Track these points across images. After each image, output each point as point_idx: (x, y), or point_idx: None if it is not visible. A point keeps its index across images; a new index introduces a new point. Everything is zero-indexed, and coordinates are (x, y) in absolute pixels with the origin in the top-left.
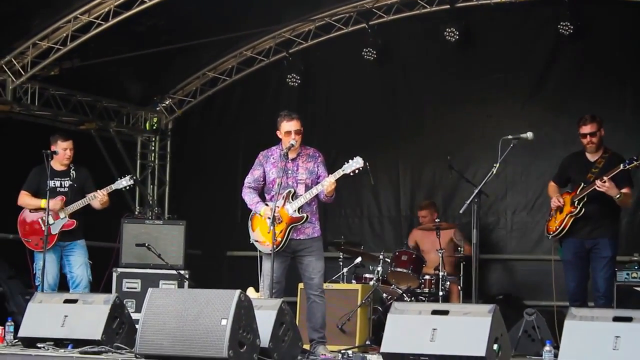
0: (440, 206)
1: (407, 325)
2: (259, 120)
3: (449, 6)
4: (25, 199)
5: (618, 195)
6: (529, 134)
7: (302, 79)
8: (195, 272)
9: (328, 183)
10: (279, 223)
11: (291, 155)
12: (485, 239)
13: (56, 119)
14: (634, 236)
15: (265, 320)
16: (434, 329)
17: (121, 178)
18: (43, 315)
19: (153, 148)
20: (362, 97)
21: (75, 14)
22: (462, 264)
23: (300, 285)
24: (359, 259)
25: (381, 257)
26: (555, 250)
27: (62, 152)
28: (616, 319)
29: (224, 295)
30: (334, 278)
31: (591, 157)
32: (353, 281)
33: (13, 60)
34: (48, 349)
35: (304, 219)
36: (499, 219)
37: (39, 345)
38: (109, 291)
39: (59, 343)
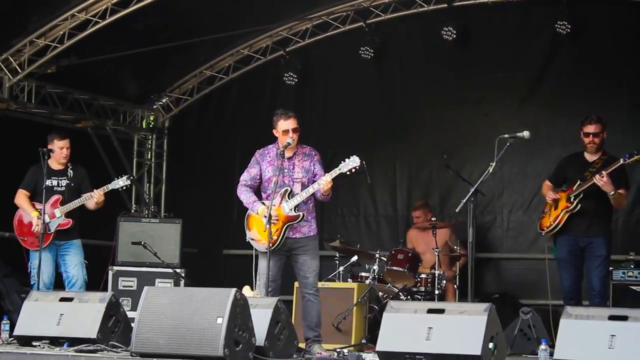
0: (436, 205)
1: (402, 324)
2: (256, 118)
3: (446, 5)
4: (21, 200)
5: (612, 193)
6: (526, 133)
7: (299, 78)
8: (191, 270)
9: (324, 182)
10: (276, 222)
11: (287, 154)
12: (481, 238)
13: (53, 116)
14: (629, 235)
15: (261, 318)
16: (430, 328)
17: (118, 178)
18: (39, 313)
19: (150, 146)
20: (359, 96)
21: (72, 12)
22: (458, 263)
23: (296, 284)
24: (355, 258)
25: (377, 255)
26: (549, 249)
27: (58, 150)
28: (612, 317)
29: (220, 294)
30: (330, 277)
31: (590, 158)
32: (349, 280)
33: (10, 57)
34: (44, 348)
35: (300, 217)
36: (495, 218)
37: (34, 343)
38: (105, 289)
39: (55, 341)
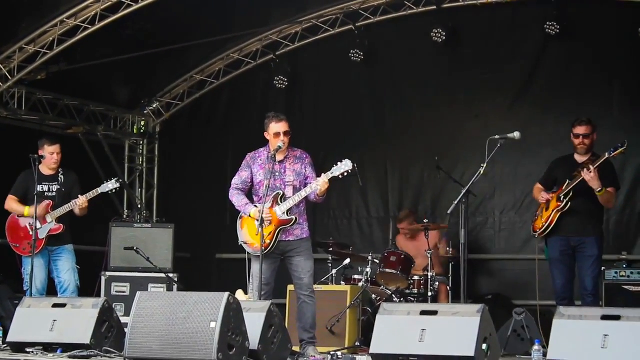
0: (428, 207)
1: (396, 326)
2: (247, 122)
3: (435, 7)
4: (11, 204)
5: (599, 189)
6: (516, 134)
7: (289, 81)
8: (184, 275)
9: (322, 183)
10: (268, 225)
11: (279, 157)
12: (473, 239)
13: (43, 123)
14: (622, 235)
15: (255, 322)
16: (423, 330)
17: (107, 181)
18: (32, 319)
19: (141, 151)
20: (349, 99)
21: (61, 18)
22: (450, 265)
23: (290, 287)
24: (347, 261)
25: (370, 258)
26: (541, 250)
27: (49, 156)
28: (604, 317)
29: (213, 298)
30: (323, 280)
31: (579, 159)
32: (342, 282)
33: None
34: (37, 354)
35: (293, 221)
36: (487, 219)
37: (28, 350)
38: (98, 295)
39: (48, 347)
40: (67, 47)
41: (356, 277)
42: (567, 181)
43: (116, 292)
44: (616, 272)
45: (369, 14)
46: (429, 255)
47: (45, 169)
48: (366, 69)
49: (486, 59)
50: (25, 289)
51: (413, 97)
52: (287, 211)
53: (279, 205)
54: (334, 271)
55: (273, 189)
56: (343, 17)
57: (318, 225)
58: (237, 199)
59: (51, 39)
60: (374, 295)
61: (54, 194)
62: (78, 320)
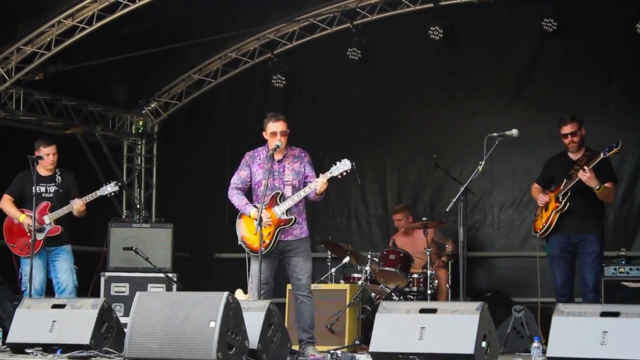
0: (427, 205)
1: (395, 324)
2: (245, 121)
3: (432, 5)
4: (6, 205)
5: (598, 187)
6: (514, 131)
7: (287, 80)
8: (184, 274)
9: (321, 183)
10: (268, 225)
11: (277, 157)
12: (472, 237)
13: (41, 123)
14: (620, 231)
15: (254, 321)
16: (422, 328)
17: (106, 184)
18: (31, 320)
19: (139, 151)
20: (347, 97)
21: (59, 19)
22: (449, 262)
23: (289, 286)
24: (347, 259)
25: (369, 256)
26: (542, 247)
27: (45, 157)
28: (604, 314)
29: (212, 298)
30: (322, 278)
31: (574, 156)
32: (341, 281)
33: None
34: (37, 355)
35: (293, 221)
36: (486, 216)
37: (27, 350)
38: (97, 295)
39: (48, 348)
40: (64, 48)
41: (355, 275)
42: (565, 181)
43: (115, 292)
44: (615, 269)
45: (366, 12)
46: (428, 253)
47: (42, 169)
48: (364, 67)
49: (484, 56)
50: (22, 289)
51: (411, 95)
52: (287, 211)
53: (278, 204)
54: (333, 270)
55: (272, 189)
56: (340, 16)
57: (317, 224)
58: (236, 198)
59: (49, 39)
60: (373, 294)
61: (52, 195)
62: (77, 321)
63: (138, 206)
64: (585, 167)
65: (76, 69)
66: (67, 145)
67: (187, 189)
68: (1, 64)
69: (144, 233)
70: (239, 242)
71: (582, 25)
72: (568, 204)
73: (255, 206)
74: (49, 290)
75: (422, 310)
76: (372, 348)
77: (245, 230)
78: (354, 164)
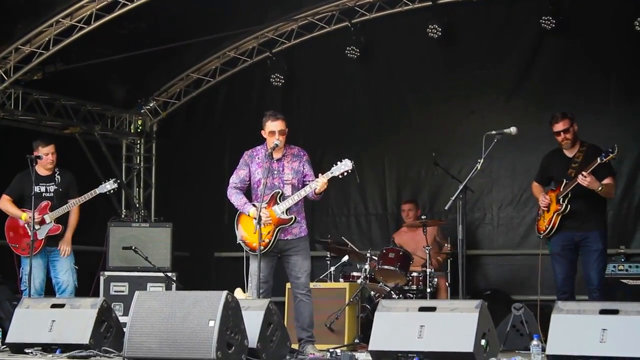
0: (426, 203)
1: (394, 322)
2: (244, 120)
3: (430, 3)
4: (6, 204)
5: (600, 188)
6: (513, 129)
7: (286, 79)
8: (183, 274)
9: (321, 183)
10: (268, 224)
11: (276, 155)
12: (471, 235)
13: (40, 123)
14: (620, 228)
15: (253, 320)
16: (422, 326)
17: (105, 182)
18: (30, 320)
19: (138, 151)
20: (346, 96)
21: (57, 18)
22: (449, 260)
23: (288, 285)
24: (346, 258)
25: (368, 255)
26: (545, 245)
27: (44, 157)
28: (603, 311)
29: (211, 297)
30: (321, 277)
31: (569, 153)
32: (341, 280)
33: None
34: (36, 354)
35: (292, 220)
36: (485, 214)
37: (27, 350)
38: (98, 295)
39: (47, 348)
40: (63, 47)
41: (355, 274)
42: (565, 182)
43: (115, 291)
44: (614, 266)
45: (364, 10)
46: (427, 251)
47: (42, 169)
48: (362, 66)
49: (482, 54)
50: (22, 289)
51: (410, 94)
52: (286, 210)
53: (277, 203)
54: (332, 268)
55: (271, 188)
56: (339, 14)
57: (316, 223)
58: (235, 197)
59: (47, 39)
60: (372, 292)
61: (52, 194)
62: (77, 321)
63: (137, 205)
64: (584, 173)
65: (75, 68)
66: (66, 145)
67: (186, 188)
68: (0, 64)
69: (143, 232)
70: (238, 241)
71: (580, 22)
72: (569, 206)
73: (254, 205)
74: (49, 290)
75: (422, 309)
76: (371, 346)
77: (245, 230)
78: (354, 163)
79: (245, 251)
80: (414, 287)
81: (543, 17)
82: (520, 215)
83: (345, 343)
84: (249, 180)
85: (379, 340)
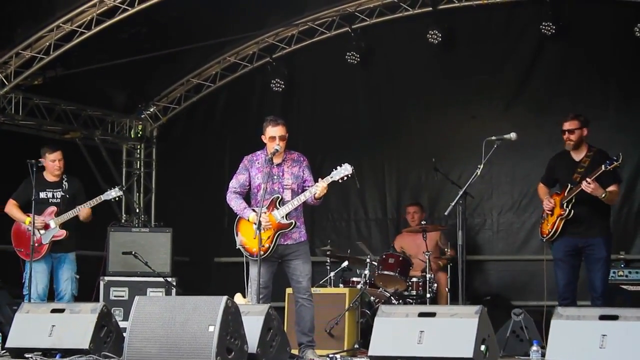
0: (426, 208)
1: (394, 328)
2: (244, 125)
3: (431, 9)
4: (12, 209)
5: (603, 195)
6: (512, 135)
7: (286, 84)
8: (183, 279)
9: (321, 188)
10: (267, 229)
11: (276, 161)
12: (471, 240)
13: (40, 128)
14: (620, 234)
15: (253, 326)
16: (421, 331)
17: (110, 189)
18: (30, 325)
19: (138, 156)
20: (346, 101)
21: (57, 23)
22: (449, 266)
23: (288, 290)
24: (346, 263)
25: (368, 260)
26: (548, 248)
27: (51, 163)
28: (602, 317)
29: (211, 302)
30: (321, 282)
31: (576, 157)
32: (340, 285)
33: None
34: (36, 359)
35: (292, 225)
36: (485, 220)
37: (27, 355)
38: (97, 300)
39: (47, 353)
40: (63, 52)
41: (354, 279)
42: (569, 186)
43: (115, 296)
44: (614, 272)
45: (365, 15)
46: (427, 256)
47: (49, 175)
48: (363, 71)
49: (482, 59)
50: (24, 293)
51: (410, 99)
52: (286, 215)
53: (277, 208)
54: (332, 273)
55: (271, 193)
56: (339, 20)
57: (316, 228)
58: (235, 202)
59: (47, 44)
60: (372, 298)
61: (58, 200)
62: (77, 326)
63: (137, 210)
64: (589, 179)
65: (75, 73)
66: (66, 150)
67: (186, 193)
68: (0, 69)
69: (143, 237)
70: (238, 247)
71: (580, 28)
72: (573, 211)
73: (254, 210)
74: (52, 295)
75: (421, 314)
76: (371, 352)
77: (244, 235)
78: (353, 168)
79: (245, 256)
80: (414, 292)
81: (543, 23)
82: (520, 221)
83: (345, 348)
84: (248, 185)
85: (378, 345)
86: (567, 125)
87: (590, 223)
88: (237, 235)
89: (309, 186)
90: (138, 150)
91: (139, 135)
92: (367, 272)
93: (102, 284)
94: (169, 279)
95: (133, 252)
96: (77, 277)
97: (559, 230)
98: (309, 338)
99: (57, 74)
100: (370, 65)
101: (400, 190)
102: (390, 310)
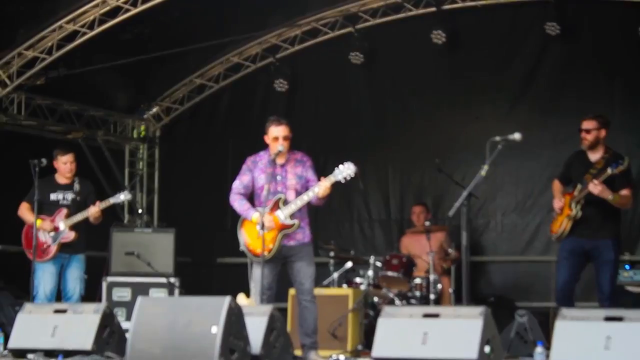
0: (430, 209)
1: (398, 329)
2: (247, 126)
3: (435, 9)
4: (24, 211)
5: (611, 197)
6: (517, 135)
7: (289, 84)
8: (186, 279)
9: (324, 187)
10: (271, 230)
11: (279, 161)
12: (475, 241)
13: (43, 128)
14: (624, 235)
15: (256, 327)
16: (425, 333)
17: (120, 192)
18: (33, 326)
19: (141, 156)
20: (349, 101)
21: (60, 23)
22: (453, 267)
23: (291, 291)
24: (349, 264)
25: (372, 261)
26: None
27: (62, 165)
28: (607, 318)
29: (214, 303)
30: (324, 283)
31: (592, 157)
32: (344, 286)
33: None
34: None
35: (296, 225)
36: (489, 221)
37: (29, 356)
38: (100, 300)
39: (50, 354)
40: (66, 52)
41: (358, 280)
42: (579, 186)
43: (117, 297)
44: (619, 273)
45: (368, 16)
46: (431, 257)
47: (61, 177)
48: (366, 71)
49: (486, 60)
50: (34, 294)
51: (413, 99)
52: (290, 215)
53: (280, 209)
54: (335, 274)
55: (274, 193)
56: (342, 20)
57: (320, 229)
58: (238, 203)
59: (50, 44)
60: (376, 299)
61: (69, 202)
62: (79, 326)
63: (140, 211)
64: (596, 181)
65: (78, 73)
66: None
67: (189, 193)
68: (2, 69)
69: (146, 238)
70: (242, 248)
71: (585, 28)
72: (581, 212)
73: (257, 211)
74: (59, 296)
75: (425, 315)
76: (374, 353)
77: (248, 236)
78: (357, 168)
79: (248, 257)
80: (418, 293)
81: (547, 23)
82: (524, 222)
83: (348, 349)
84: (251, 186)
85: (382, 346)
86: (584, 124)
87: (598, 225)
88: (240, 237)
89: (312, 186)
90: (141, 151)
91: (142, 135)
92: (370, 273)
93: (104, 284)
94: (172, 280)
95: (135, 253)
96: (86, 277)
97: (567, 229)
98: (312, 339)
99: (59, 74)
100: (373, 66)
101: (404, 191)
102: (394, 312)
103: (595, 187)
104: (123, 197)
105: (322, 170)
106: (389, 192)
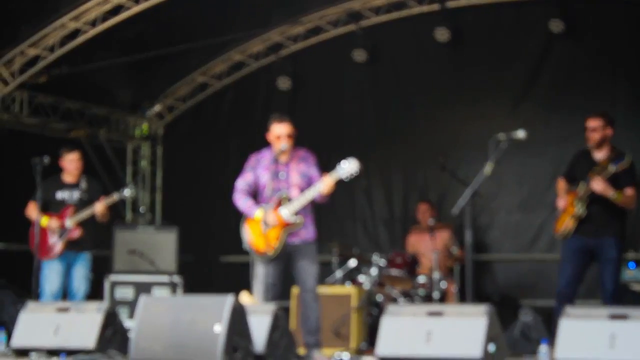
0: (435, 206)
1: (402, 327)
2: (250, 123)
3: (439, 6)
4: (30, 211)
5: (613, 195)
6: (521, 133)
7: (292, 82)
8: (189, 278)
9: (327, 184)
10: (274, 227)
11: (283, 159)
12: (479, 239)
13: (45, 126)
14: (628, 233)
15: (260, 325)
16: (429, 331)
17: (124, 189)
18: (35, 324)
19: (144, 154)
20: (353, 99)
21: (62, 21)
22: (457, 266)
23: (295, 290)
24: (353, 262)
25: (375, 259)
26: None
27: (68, 164)
28: (612, 317)
29: (218, 301)
30: (328, 281)
31: (598, 156)
32: (348, 284)
33: (1, 68)
34: (41, 359)
35: (299, 223)
36: (493, 219)
37: (31, 354)
38: (103, 299)
39: (52, 352)
40: (68, 50)
41: (361, 278)
42: (584, 184)
43: (120, 296)
44: (623, 272)
45: (371, 13)
46: (435, 256)
47: (67, 176)
48: (369, 69)
49: (490, 57)
50: (40, 292)
51: (417, 97)
52: (293, 213)
53: (285, 207)
54: (339, 273)
55: (278, 191)
56: (346, 17)
57: (323, 227)
58: (241, 202)
59: (52, 42)
60: (379, 297)
61: (76, 201)
62: (82, 325)
63: (143, 209)
64: (598, 178)
65: (80, 71)
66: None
67: (191, 191)
68: (5, 67)
69: (149, 236)
70: (245, 246)
71: (589, 26)
72: (585, 210)
73: (260, 207)
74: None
75: (429, 314)
76: (378, 352)
77: (252, 234)
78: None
79: (251, 255)
80: (422, 292)
81: (552, 20)
82: (528, 220)
83: (352, 348)
84: (255, 184)
85: (386, 345)
86: (589, 123)
87: (602, 223)
88: (244, 235)
89: (316, 183)
90: (143, 149)
91: (145, 133)
92: (374, 271)
93: (107, 283)
94: (175, 278)
95: (138, 251)
96: (92, 274)
97: (571, 228)
98: (315, 338)
99: (62, 72)
100: (376, 63)
101: (407, 188)
102: (398, 310)
103: (598, 185)
104: (126, 193)
105: (325, 168)
106: (392, 190)
